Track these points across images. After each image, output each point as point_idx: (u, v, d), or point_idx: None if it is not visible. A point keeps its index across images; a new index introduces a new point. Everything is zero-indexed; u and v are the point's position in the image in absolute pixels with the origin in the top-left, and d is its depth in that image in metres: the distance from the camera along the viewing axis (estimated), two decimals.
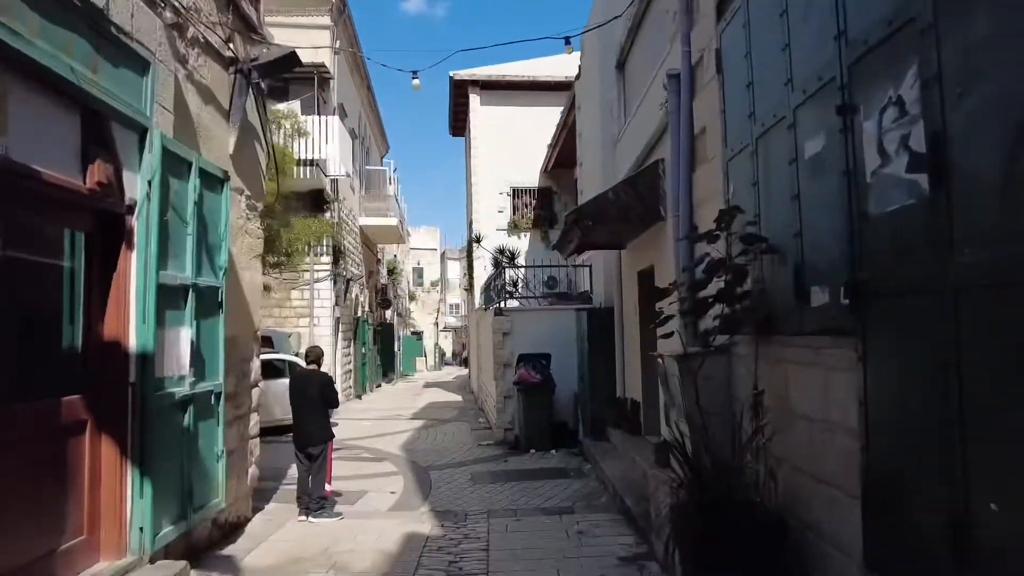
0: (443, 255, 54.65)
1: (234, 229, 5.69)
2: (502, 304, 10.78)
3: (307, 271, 16.65)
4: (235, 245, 5.73)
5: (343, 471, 8.55)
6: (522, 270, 11.68)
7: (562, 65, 18.41)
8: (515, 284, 11.02)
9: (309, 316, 16.58)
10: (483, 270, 17.21)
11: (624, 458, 7.63)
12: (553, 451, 9.46)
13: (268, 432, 10.89)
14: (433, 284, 51.45)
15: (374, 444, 10.76)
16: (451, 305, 53.61)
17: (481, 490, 7.31)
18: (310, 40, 16.24)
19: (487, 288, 14.32)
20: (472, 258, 18.48)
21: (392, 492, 7.35)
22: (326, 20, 16.96)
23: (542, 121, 17.79)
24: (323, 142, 15.22)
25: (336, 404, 6.26)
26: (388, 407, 17.39)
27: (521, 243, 17.81)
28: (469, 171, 20.05)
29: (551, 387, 9.71)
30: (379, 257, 28.38)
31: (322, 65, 15.74)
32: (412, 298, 45.24)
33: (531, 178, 18.40)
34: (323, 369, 6.66)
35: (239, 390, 5.79)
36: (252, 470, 6.05)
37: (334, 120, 15.31)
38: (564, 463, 8.71)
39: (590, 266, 10.97)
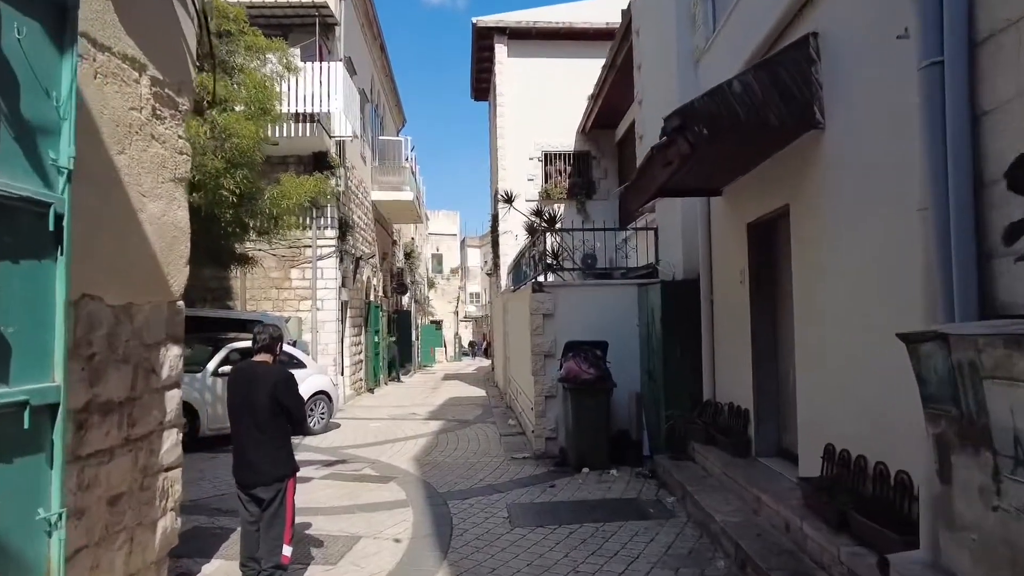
0: (463, 242, 52.43)
1: (123, 124, 3.40)
2: (542, 279, 8.41)
3: (308, 246, 14.44)
4: (127, 152, 3.43)
5: (333, 498, 6.28)
6: (568, 239, 9.24)
7: (603, 9, 15.94)
8: (556, 255, 8.63)
9: (312, 299, 14.38)
10: (514, 241, 14.84)
11: (732, 492, 5.24)
12: (613, 471, 7.10)
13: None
14: (453, 271, 49.20)
15: (379, 455, 8.49)
16: (472, 294, 51.42)
17: (525, 540, 4.97)
18: None
19: (518, 263, 11.97)
20: (497, 233, 16.13)
21: (396, 540, 5.05)
22: None
23: (580, 75, 15.36)
24: (325, 95, 12.93)
25: (301, 419, 3.92)
26: (402, 404, 15.16)
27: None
28: (494, 135, 17.66)
29: (610, 386, 7.34)
30: (395, 238, 26.17)
31: (324, 6, 13.44)
32: (431, 285, 43.03)
33: (566, 141, 15.97)
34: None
35: (138, 395, 3.51)
36: (167, 521, 3.78)
37: (338, 67, 12.99)
38: (634, 490, 6.34)
39: (655, 229, 8.55)
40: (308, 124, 13.28)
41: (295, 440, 9.65)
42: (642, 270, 8.74)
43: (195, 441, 8.38)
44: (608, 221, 9.97)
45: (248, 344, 9.80)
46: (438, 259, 47.95)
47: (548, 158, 15.96)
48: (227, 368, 8.90)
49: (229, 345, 9.18)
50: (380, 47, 21.23)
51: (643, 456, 7.55)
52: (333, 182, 14.57)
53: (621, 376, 7.54)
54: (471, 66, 18.78)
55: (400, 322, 26.38)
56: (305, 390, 10.09)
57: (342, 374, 15.32)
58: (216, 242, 9.24)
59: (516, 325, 10.79)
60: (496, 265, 17.36)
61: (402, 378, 24.01)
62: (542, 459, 7.84)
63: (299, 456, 8.48)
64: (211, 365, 8.78)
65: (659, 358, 7.20)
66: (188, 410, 8.28)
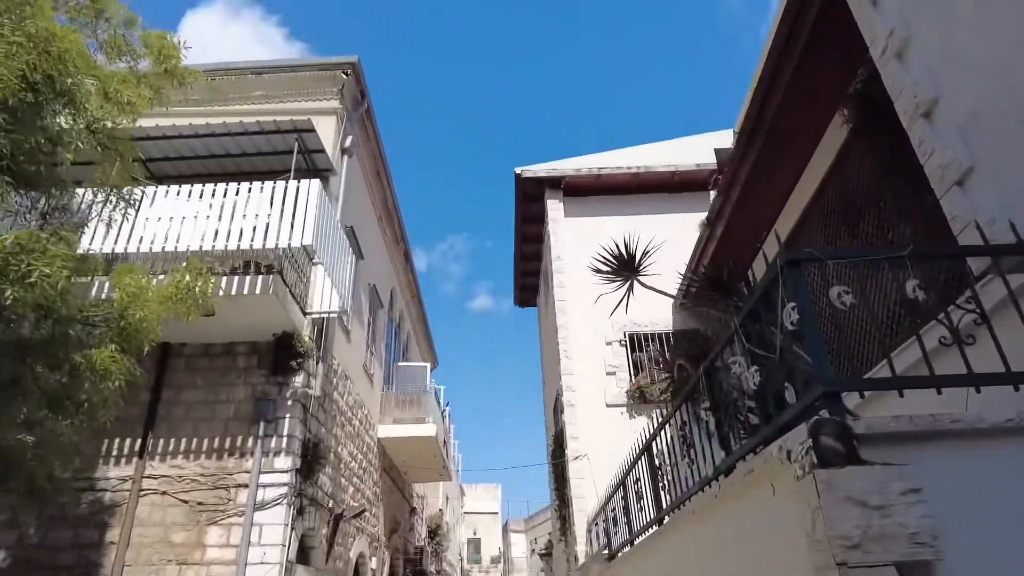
0: (505, 527, 43.89)
1: None
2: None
3: (243, 485, 8.37)
4: None
5: None
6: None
7: (686, 151, 12.03)
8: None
9: None
10: (593, 469, 8.49)
11: None
12: None
13: None
14: (494, 561, 39.85)
15: None
16: None
17: None
18: (322, 132, 10.18)
19: (622, 483, 5.68)
20: (564, 441, 9.80)
21: None
22: (334, 103, 11.41)
23: (663, 233, 10.75)
24: (288, 226, 8.22)
25: None
26: None
27: (641, 424, 9.26)
28: (551, 324, 12.47)
29: None
30: (414, 505, 19.44)
31: (307, 129, 9.48)
32: None
33: (658, 317, 10.63)
34: None
35: None
36: None
37: (312, 186, 8.48)
38: None
39: None
40: (261, 278, 8.35)
41: None
42: None
43: None
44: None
45: None
46: (475, 544, 39.12)
47: (636, 342, 10.45)
48: None
49: None
50: (404, 255, 17.53)
51: None
52: (299, 379, 9.14)
53: None
54: (514, 246, 14.43)
55: None
56: None
57: None
58: None
59: None
60: (563, 519, 10.56)
61: None
62: None
63: None
64: None
65: None
66: None
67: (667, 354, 10.26)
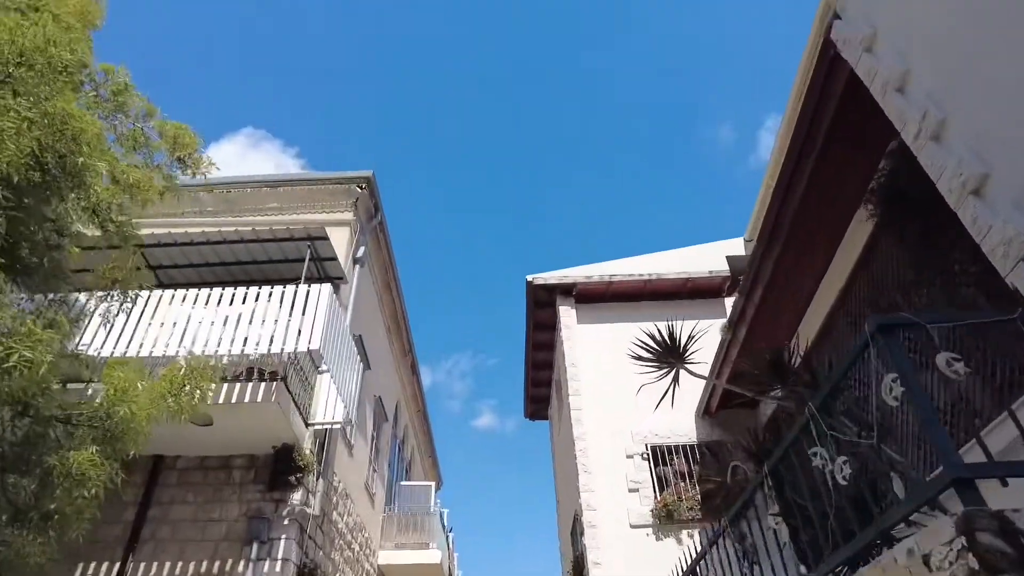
0: None
1: None
2: None
3: None
4: None
5: None
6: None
7: (696, 259, 11.96)
8: None
9: None
10: None
11: None
12: None
13: None
14: None
15: None
16: None
17: None
18: (335, 242, 10.21)
19: None
20: (584, 568, 8.83)
21: None
22: (347, 215, 11.56)
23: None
24: (301, 334, 7.93)
25: None
26: None
27: (669, 547, 8.35)
28: (567, 436, 11.87)
29: None
30: None
31: (321, 237, 9.47)
32: None
33: (680, 427, 10.07)
34: None
35: None
36: None
37: (324, 292, 8.28)
38: None
39: None
40: (263, 385, 7.95)
41: None
42: None
43: None
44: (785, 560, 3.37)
45: None
46: None
47: (658, 455, 9.80)
48: None
49: None
50: (412, 367, 17.14)
51: None
52: (298, 496, 8.48)
53: None
54: (525, 357, 14.00)
55: None
56: None
57: None
58: None
59: None
60: None
61: None
62: None
63: None
64: None
65: None
66: None
67: (695, 463, 9.58)
